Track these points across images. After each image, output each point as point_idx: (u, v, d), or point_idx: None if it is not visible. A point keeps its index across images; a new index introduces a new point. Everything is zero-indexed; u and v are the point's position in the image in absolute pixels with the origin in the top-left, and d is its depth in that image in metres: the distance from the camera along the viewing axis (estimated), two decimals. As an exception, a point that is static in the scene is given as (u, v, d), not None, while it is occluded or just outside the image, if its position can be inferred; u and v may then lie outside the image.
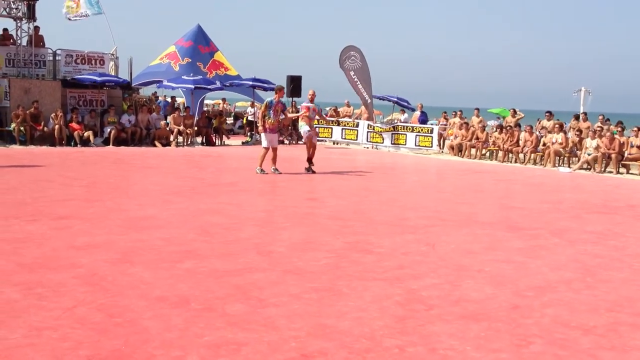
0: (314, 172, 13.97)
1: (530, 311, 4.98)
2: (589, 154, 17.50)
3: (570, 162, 18.60)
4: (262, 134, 13.62)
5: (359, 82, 23.06)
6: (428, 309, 4.93)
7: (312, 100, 14.30)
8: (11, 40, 20.33)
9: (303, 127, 14.19)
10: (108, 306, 4.71)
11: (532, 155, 19.21)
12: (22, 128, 18.67)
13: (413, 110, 25.23)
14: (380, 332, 4.39)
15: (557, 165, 18.55)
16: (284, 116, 13.98)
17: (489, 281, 5.80)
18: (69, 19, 22.85)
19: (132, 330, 4.25)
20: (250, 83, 24.02)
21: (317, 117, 14.57)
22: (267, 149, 13.47)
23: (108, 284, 5.27)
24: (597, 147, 17.38)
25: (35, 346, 3.93)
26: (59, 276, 5.42)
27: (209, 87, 23.55)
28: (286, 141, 23.39)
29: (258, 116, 14.59)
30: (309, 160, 14.15)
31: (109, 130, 19.83)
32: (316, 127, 23.74)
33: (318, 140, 23.69)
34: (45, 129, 19.08)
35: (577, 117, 21.11)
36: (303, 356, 3.95)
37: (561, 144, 18.44)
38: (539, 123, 22.16)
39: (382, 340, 4.25)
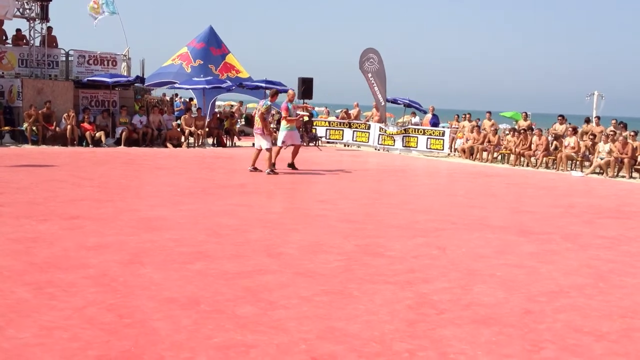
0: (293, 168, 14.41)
1: (542, 316, 4.93)
2: (601, 158, 17.38)
3: (583, 166, 18.48)
4: (264, 139, 13.74)
5: (375, 85, 23.17)
6: (439, 313, 4.89)
7: (291, 101, 14.60)
8: (24, 41, 20.47)
9: (282, 132, 14.37)
10: (118, 307, 4.70)
11: (544, 159, 19.11)
12: (34, 128, 18.77)
13: (425, 112, 25.16)
14: (390, 335, 4.36)
15: (569, 169, 18.44)
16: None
17: (500, 285, 5.75)
18: (94, 19, 23.04)
19: (142, 331, 4.25)
20: (264, 85, 24.01)
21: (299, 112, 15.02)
22: (270, 149, 13.76)
23: (118, 284, 5.27)
24: (610, 152, 17.26)
25: (44, 346, 3.93)
26: (70, 276, 5.43)
27: (223, 86, 23.60)
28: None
29: (255, 115, 14.52)
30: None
31: (120, 130, 19.90)
32: (328, 129, 23.94)
33: (328, 142, 23.86)
34: (58, 129, 19.18)
35: (587, 121, 21.00)
36: (312, 359, 3.93)
37: (573, 148, 18.34)
38: (553, 127, 22.07)
39: (392, 344, 4.22)
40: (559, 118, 20.95)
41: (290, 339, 4.21)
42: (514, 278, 6.04)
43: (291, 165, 14.65)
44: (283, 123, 14.27)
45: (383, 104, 23.40)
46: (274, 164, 14.05)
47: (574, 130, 19.06)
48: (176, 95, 30.41)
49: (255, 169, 13.98)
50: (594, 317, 4.98)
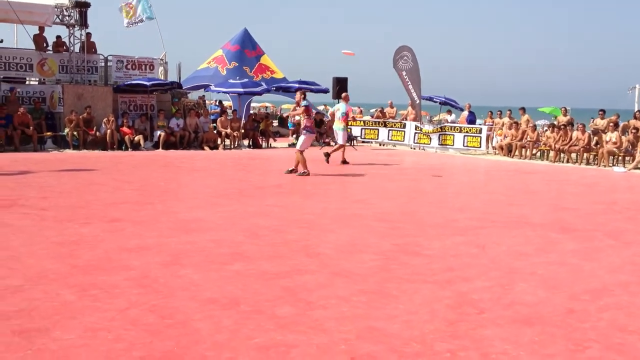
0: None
1: (586, 315, 4.84)
2: (644, 153, 16.98)
3: (625, 161, 18.08)
4: (300, 138, 13.79)
5: (409, 83, 22.93)
6: (479, 313, 4.84)
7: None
8: (64, 47, 20.89)
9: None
10: (160, 308, 4.77)
11: (585, 155, 18.75)
12: (75, 133, 19.15)
13: (461, 110, 24.91)
14: (430, 335, 4.34)
15: (611, 165, 18.06)
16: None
17: (542, 284, 5.67)
18: (127, 26, 23.42)
19: (184, 331, 4.30)
20: (297, 86, 24.08)
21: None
22: (302, 151, 13.54)
23: (159, 285, 5.35)
24: (653, 146, 16.86)
25: (89, 347, 4.01)
26: (112, 278, 5.53)
27: (257, 89, 23.75)
28: (332, 143, 23.41)
29: (293, 114, 16.55)
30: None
31: (158, 134, 20.17)
32: (364, 128, 23.90)
33: (363, 142, 23.80)
34: (98, 133, 19.52)
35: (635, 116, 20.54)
36: (352, 359, 3.93)
37: (615, 143, 17.95)
38: (593, 122, 21.61)
39: (433, 344, 4.19)
40: (600, 113, 20.53)
41: (330, 339, 4.22)
42: (555, 276, 5.95)
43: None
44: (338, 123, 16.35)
45: (418, 102, 23.20)
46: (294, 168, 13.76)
47: (615, 126, 18.65)
48: (203, 97, 30.62)
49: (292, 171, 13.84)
50: (640, 316, 4.88)
